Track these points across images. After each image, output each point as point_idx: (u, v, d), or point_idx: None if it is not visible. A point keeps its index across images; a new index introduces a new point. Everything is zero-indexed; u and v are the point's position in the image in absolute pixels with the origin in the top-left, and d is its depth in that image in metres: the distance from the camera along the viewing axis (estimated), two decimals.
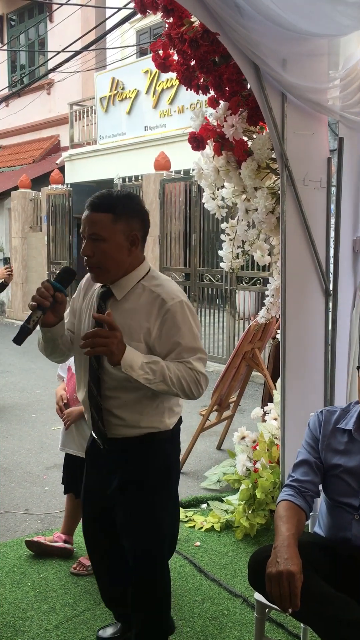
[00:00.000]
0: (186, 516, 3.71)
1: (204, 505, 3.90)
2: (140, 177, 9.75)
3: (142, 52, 12.17)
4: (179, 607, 2.80)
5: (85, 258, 1.98)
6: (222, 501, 3.81)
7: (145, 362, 1.89)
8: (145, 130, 10.98)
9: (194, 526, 3.61)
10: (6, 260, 5.73)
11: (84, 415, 2.21)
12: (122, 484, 2.08)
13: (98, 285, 2.09)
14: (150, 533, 2.11)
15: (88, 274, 2.16)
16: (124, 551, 2.20)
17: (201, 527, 3.59)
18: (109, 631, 2.52)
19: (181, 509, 3.77)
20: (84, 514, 2.31)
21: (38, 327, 2.00)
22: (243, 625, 2.66)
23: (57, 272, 2.04)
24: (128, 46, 11.86)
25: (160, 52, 3.43)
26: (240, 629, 2.64)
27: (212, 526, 3.58)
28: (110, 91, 11.55)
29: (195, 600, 2.86)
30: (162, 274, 2.14)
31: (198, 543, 3.41)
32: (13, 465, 4.65)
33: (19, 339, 1.91)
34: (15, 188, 13.13)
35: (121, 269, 1.99)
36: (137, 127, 11.13)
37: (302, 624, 2.36)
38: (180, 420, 2.17)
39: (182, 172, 9.33)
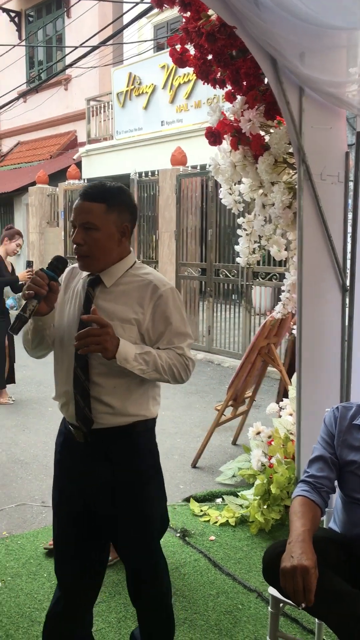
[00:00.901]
0: (201, 510, 3.72)
1: (218, 500, 3.91)
2: (156, 172, 9.75)
3: (159, 47, 12.15)
4: (193, 600, 2.82)
5: (74, 246, 2.00)
6: (237, 496, 3.81)
7: (138, 354, 1.93)
8: (162, 125, 10.97)
9: (208, 520, 3.62)
10: (29, 264, 5.82)
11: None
12: (111, 477, 2.03)
13: (83, 275, 2.10)
14: (142, 522, 2.08)
15: (68, 268, 2.16)
16: (99, 549, 2.17)
17: (216, 522, 3.60)
18: None
19: (196, 503, 3.78)
20: (60, 513, 2.17)
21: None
22: (257, 620, 2.67)
23: (50, 261, 2.04)
24: (145, 41, 11.85)
25: (178, 46, 3.43)
26: (254, 624, 2.64)
27: (227, 521, 3.59)
28: (127, 86, 11.55)
29: (209, 594, 2.87)
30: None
31: (213, 537, 3.42)
32: (30, 458, 4.69)
33: (15, 328, 1.93)
34: (33, 184, 13.21)
35: (110, 258, 2.02)
36: (153, 122, 11.13)
37: (316, 620, 2.36)
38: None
39: (198, 167, 9.30)
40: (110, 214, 1.97)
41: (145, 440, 2.08)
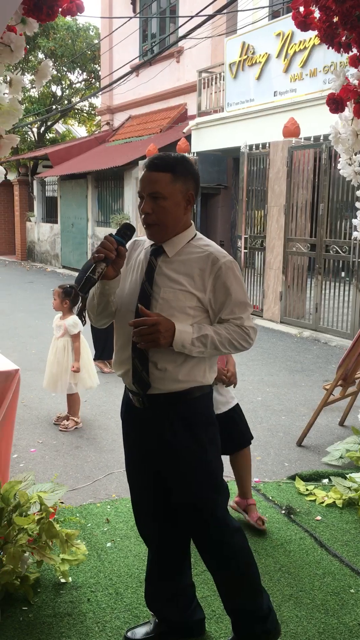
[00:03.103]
0: (307, 489, 3.66)
1: (325, 480, 3.83)
2: (267, 145, 9.54)
3: (274, 15, 11.78)
4: (298, 578, 2.79)
5: (143, 216, 2.05)
6: (345, 478, 3.71)
7: (195, 338, 2.00)
8: (274, 95, 10.68)
9: (314, 500, 3.56)
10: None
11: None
12: (168, 440, 2.09)
13: (146, 246, 2.16)
14: (206, 484, 2.13)
15: (131, 241, 2.18)
16: (172, 510, 2.23)
17: (322, 502, 3.53)
18: (140, 632, 2.38)
19: (302, 482, 3.73)
20: (132, 478, 2.30)
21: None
22: None
23: (118, 228, 2.10)
24: (261, 7, 11.51)
25: (301, 9, 3.28)
26: None
27: (334, 502, 3.51)
28: (240, 56, 11.32)
29: (315, 574, 2.83)
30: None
31: (319, 517, 3.36)
32: None
33: (85, 289, 2.02)
34: (143, 157, 13.36)
35: (176, 226, 2.08)
36: (266, 92, 10.85)
37: None
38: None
39: (312, 139, 8.99)
40: (176, 183, 2.03)
41: (202, 406, 2.13)
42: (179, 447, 2.09)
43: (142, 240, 2.20)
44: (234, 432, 3.16)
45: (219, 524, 2.17)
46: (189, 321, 2.03)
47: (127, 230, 2.09)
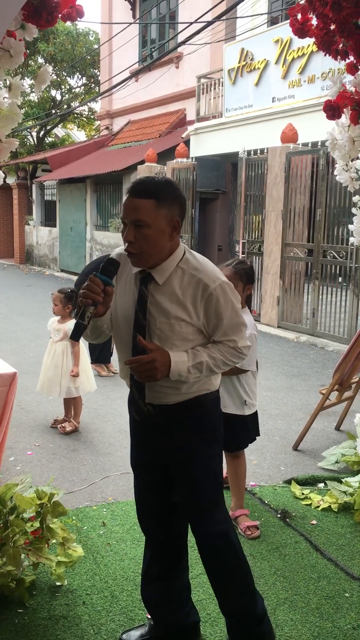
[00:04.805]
0: (302, 493, 3.67)
1: (320, 485, 3.84)
2: (265, 150, 9.58)
3: (273, 21, 11.84)
4: (294, 581, 2.80)
5: (127, 244, 1.99)
6: (340, 482, 3.73)
7: (190, 366, 2.00)
8: (272, 101, 10.72)
9: (310, 504, 3.57)
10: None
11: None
12: (179, 445, 2.13)
13: (135, 270, 2.09)
14: (211, 484, 2.17)
15: (117, 253, 2.15)
16: (175, 510, 2.27)
17: (318, 506, 3.54)
18: (135, 635, 2.39)
19: (297, 486, 3.74)
20: (138, 478, 2.32)
21: None
22: None
23: (102, 265, 2.01)
24: (259, 14, 11.57)
25: (299, 16, 3.31)
26: (357, 611, 2.59)
27: (330, 506, 3.52)
28: (239, 62, 11.37)
29: (310, 577, 2.84)
30: (197, 253, 2.13)
31: (314, 521, 3.37)
32: None
33: (76, 335, 1.99)
34: (142, 162, 13.40)
35: (162, 254, 2.01)
36: (264, 98, 10.89)
37: None
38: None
39: (309, 145, 9.03)
40: (160, 210, 1.95)
41: (211, 408, 2.18)
42: (188, 446, 2.13)
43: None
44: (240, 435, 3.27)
45: (221, 520, 2.21)
46: (188, 346, 2.03)
47: (110, 267, 2.00)
